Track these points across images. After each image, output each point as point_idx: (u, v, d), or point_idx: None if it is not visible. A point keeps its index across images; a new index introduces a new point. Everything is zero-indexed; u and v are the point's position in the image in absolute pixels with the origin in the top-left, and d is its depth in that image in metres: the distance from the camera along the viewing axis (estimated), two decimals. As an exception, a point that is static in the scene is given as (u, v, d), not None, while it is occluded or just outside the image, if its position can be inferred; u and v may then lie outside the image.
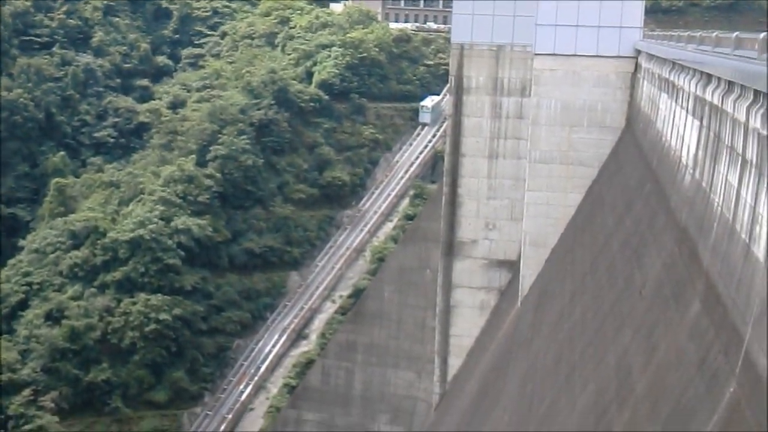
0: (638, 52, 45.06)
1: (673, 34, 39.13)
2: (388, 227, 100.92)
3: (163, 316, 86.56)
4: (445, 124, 64.45)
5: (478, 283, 55.64)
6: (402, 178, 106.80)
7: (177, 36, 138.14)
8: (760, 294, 16.69)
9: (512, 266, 53.55)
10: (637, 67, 45.46)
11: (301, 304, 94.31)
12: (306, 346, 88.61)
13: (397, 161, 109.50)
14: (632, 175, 38.25)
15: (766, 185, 17.80)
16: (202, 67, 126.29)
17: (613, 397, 24.86)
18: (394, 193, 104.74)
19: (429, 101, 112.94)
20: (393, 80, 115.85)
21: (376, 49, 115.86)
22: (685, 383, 19.58)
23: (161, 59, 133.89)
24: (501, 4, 54.72)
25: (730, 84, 22.98)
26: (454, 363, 56.60)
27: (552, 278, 44.05)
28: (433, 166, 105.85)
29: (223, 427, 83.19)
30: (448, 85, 62.45)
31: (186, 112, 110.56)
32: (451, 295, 56.22)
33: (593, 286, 34.68)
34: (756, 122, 19.15)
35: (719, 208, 22.01)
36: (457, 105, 56.14)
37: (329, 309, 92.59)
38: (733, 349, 17.32)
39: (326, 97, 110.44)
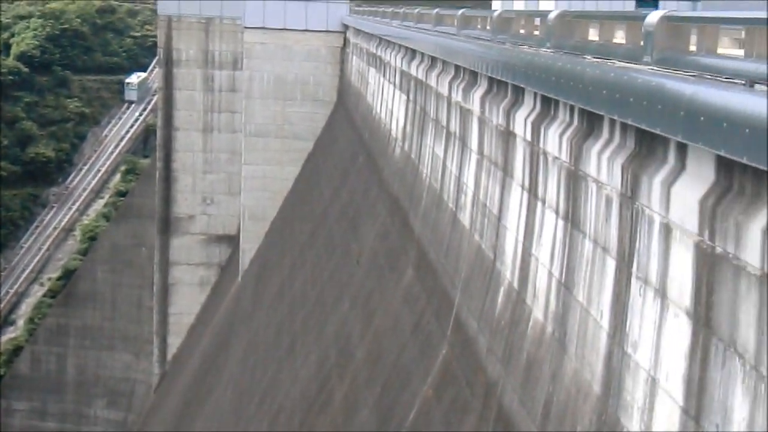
0: (346, 27, 46.14)
1: (378, 9, 40.36)
2: (99, 204, 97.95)
3: None
4: (154, 99, 63.37)
5: (198, 260, 55.28)
6: (112, 153, 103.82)
7: None
8: (467, 259, 17.74)
9: (232, 241, 53.60)
10: (345, 41, 46.54)
11: (5, 289, 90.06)
12: (13, 333, 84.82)
13: (106, 136, 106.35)
14: (346, 148, 39.25)
15: (468, 157, 18.87)
16: None
17: (333, 365, 25.61)
18: (104, 169, 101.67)
19: (135, 78, 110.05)
20: (98, 52, 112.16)
21: (78, 20, 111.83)
22: (401, 347, 20.51)
23: None
24: (209, -22, 54.38)
25: (433, 59, 24.08)
26: (174, 342, 55.98)
27: (272, 252, 44.53)
28: (145, 140, 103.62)
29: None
30: (157, 57, 61.37)
31: None
32: (170, 273, 55.54)
33: (312, 258, 35.42)
34: (458, 96, 20.23)
35: (428, 179, 23.09)
36: (168, 78, 55.29)
37: (37, 292, 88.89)
38: (444, 312, 18.33)
39: (26, 69, 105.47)
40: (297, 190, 45.92)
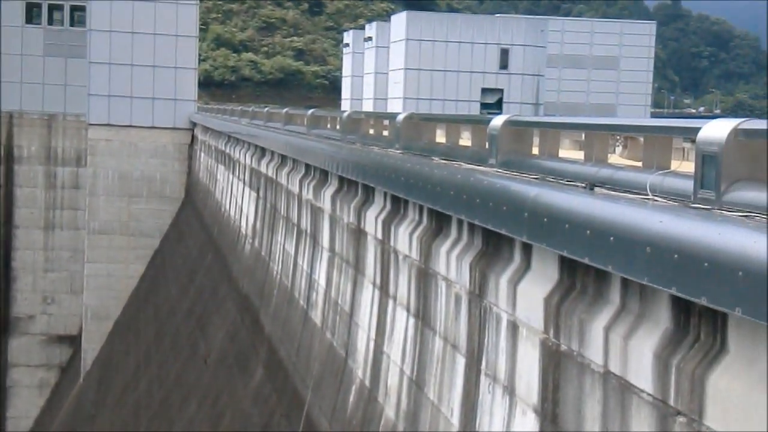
0: (194, 124, 46.09)
1: (227, 108, 40.50)
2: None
3: None
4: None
5: (37, 361, 53.38)
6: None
7: None
8: (319, 357, 17.71)
9: (74, 341, 51.99)
10: (193, 138, 46.43)
11: None
12: None
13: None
14: (194, 244, 38.86)
15: (320, 254, 18.98)
16: None
17: (181, 468, 24.95)
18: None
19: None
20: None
21: None
22: (252, 449, 20.15)
23: None
24: (52, 74, 53.67)
25: (283, 157, 24.26)
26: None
27: (116, 351, 43.36)
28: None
29: None
30: (-2, 154, 59.86)
31: None
32: (8, 375, 53.42)
33: (158, 357, 34.65)
34: (308, 194, 20.41)
35: (278, 276, 23.06)
36: (9, 175, 53.95)
37: None
38: (295, 412, 18.17)
39: None
40: (143, 288, 45.05)
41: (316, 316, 18.58)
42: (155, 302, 40.60)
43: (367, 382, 14.45)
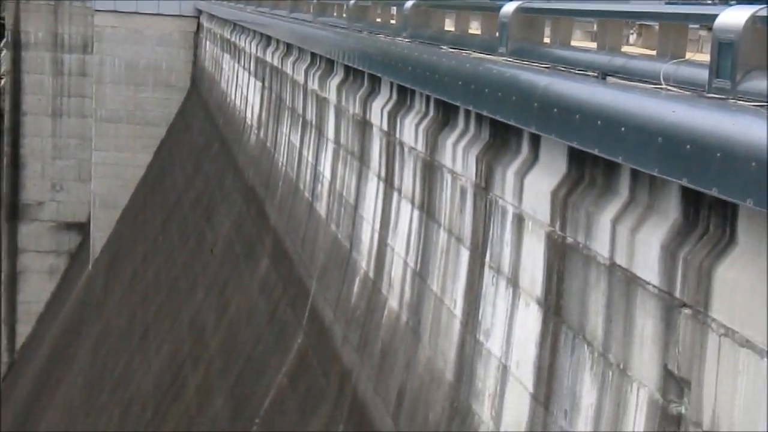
0: (200, 11, 45.43)
1: (233, -6, 39.83)
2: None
3: None
4: (1, 83, 61.36)
5: (47, 247, 53.67)
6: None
7: None
8: (324, 249, 17.69)
9: (82, 228, 52.23)
10: (199, 26, 45.82)
11: None
12: None
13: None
14: (200, 134, 38.67)
15: (325, 146, 18.81)
16: None
17: (187, 355, 25.23)
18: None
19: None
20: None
21: None
22: (257, 337, 20.34)
23: None
24: (58, -43, 52.81)
25: (289, 46, 23.89)
26: (23, 330, 54.30)
27: (124, 239, 43.58)
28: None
29: None
30: (5, 40, 59.25)
31: None
32: (18, 260, 53.84)
33: (166, 246, 34.80)
34: (314, 84, 20.13)
35: (284, 167, 22.93)
36: (16, 61, 53.47)
37: None
38: (300, 302, 18.24)
39: None
40: (150, 178, 45.03)
41: (321, 207, 18.51)
42: (162, 191, 40.61)
43: (371, 274, 14.43)
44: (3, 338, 55.32)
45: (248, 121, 29.42)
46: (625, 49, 9.84)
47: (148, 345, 29.84)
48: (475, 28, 13.64)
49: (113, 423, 28.86)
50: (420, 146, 12.60)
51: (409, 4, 14.77)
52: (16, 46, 53.36)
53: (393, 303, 13.13)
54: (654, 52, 8.57)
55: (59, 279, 53.65)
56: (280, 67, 24.74)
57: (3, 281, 54.83)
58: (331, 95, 18.39)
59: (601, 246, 7.63)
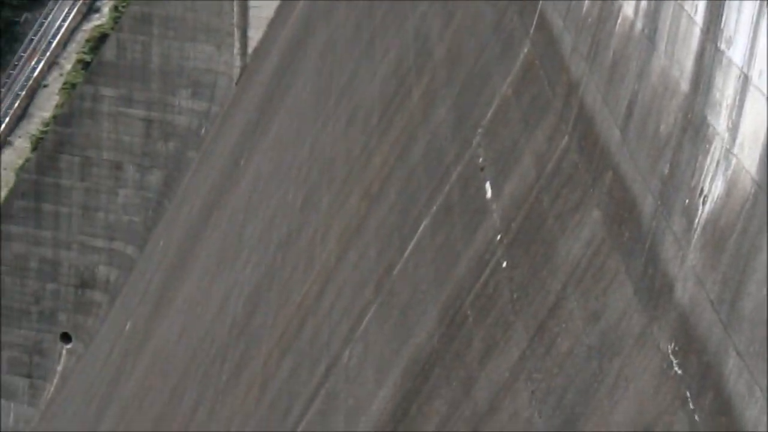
0: None
1: None
2: None
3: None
4: None
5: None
6: None
7: None
8: (557, -45, 16.92)
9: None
10: None
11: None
12: (98, 20, 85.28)
13: None
14: None
15: None
16: None
17: (411, 64, 25.32)
18: None
19: None
20: None
21: None
22: (481, 46, 20.07)
23: None
24: None
25: None
26: (254, 35, 55.99)
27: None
28: None
29: (17, 104, 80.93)
30: None
31: None
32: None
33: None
34: None
35: None
36: None
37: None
38: (528, 10, 17.72)
39: None
40: None
41: None
42: None
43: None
44: (236, 42, 57.38)
45: None
46: None
47: (373, 53, 30.12)
48: None
49: (339, 128, 29.77)
50: None
51: None
52: None
53: (628, 10, 12.49)
54: None
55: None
56: None
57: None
58: None
59: None
